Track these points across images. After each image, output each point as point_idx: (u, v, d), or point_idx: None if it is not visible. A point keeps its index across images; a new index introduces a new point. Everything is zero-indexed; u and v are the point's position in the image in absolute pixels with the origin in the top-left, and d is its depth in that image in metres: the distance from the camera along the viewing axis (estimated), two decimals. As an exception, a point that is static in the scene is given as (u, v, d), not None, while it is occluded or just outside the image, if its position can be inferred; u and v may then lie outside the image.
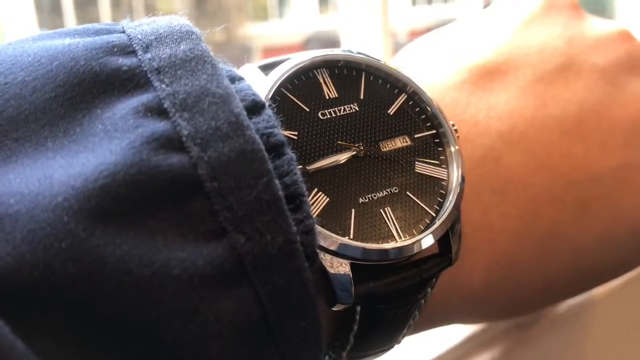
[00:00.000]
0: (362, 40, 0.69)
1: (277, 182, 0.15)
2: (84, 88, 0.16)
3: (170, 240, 0.14)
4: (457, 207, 0.20)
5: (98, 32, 0.17)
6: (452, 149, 0.21)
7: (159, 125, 0.15)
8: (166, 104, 0.15)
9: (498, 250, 0.23)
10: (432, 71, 0.25)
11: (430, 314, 0.22)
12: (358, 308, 0.19)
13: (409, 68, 0.25)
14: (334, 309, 0.18)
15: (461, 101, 0.24)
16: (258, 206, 0.15)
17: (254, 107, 0.17)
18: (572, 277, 0.25)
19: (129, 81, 0.16)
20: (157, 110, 0.15)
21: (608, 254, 0.25)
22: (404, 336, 0.22)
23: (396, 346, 0.23)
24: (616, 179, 0.25)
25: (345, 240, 0.18)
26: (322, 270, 0.18)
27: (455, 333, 0.29)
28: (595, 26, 0.28)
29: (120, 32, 0.17)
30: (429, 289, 0.20)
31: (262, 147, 0.16)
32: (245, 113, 0.16)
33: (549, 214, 0.23)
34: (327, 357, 0.20)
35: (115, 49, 0.17)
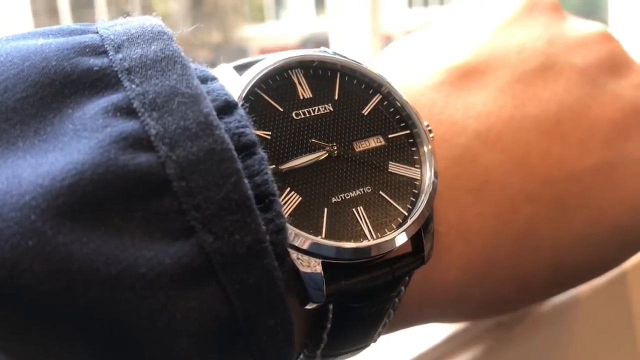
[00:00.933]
0: (352, 42, 0.69)
1: (246, 181, 0.16)
2: (55, 88, 0.16)
3: (138, 239, 0.14)
4: (429, 206, 0.20)
5: (72, 33, 0.18)
6: (426, 149, 0.21)
7: (128, 125, 0.15)
8: (135, 104, 0.16)
9: (474, 249, 0.23)
10: (411, 72, 0.25)
11: (406, 313, 0.22)
12: (330, 306, 0.19)
13: (387, 69, 0.25)
14: (306, 307, 0.19)
15: (438, 102, 0.24)
16: (226, 205, 0.15)
17: (226, 107, 0.17)
18: (551, 276, 0.25)
19: (100, 81, 0.16)
20: (127, 110, 0.16)
21: (588, 253, 0.25)
22: (379, 335, 0.22)
23: (373, 345, 0.23)
24: (595, 178, 0.25)
25: (317, 239, 0.18)
26: (294, 269, 0.18)
27: (437, 332, 0.30)
28: (576, 27, 0.28)
29: (94, 33, 0.17)
30: (403, 288, 0.21)
31: (231, 146, 0.16)
32: (214, 113, 0.16)
33: (526, 212, 0.23)
34: (301, 356, 0.21)
35: (87, 50, 0.17)
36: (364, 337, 0.21)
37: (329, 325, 0.20)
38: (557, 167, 0.24)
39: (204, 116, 0.16)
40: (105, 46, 0.17)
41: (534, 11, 0.28)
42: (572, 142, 0.25)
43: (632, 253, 0.28)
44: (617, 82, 0.27)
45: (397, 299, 0.21)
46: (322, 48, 0.22)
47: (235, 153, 0.16)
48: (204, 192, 0.15)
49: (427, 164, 0.21)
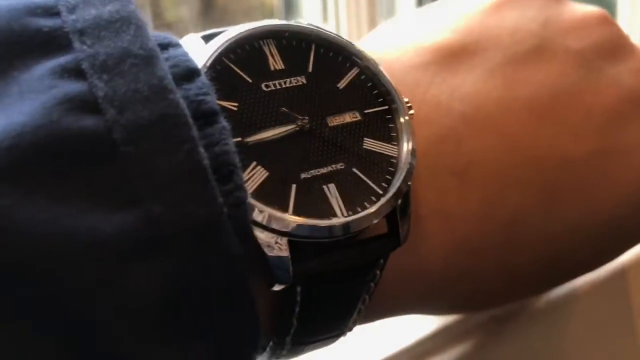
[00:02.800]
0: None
1: (202, 150, 0.14)
2: (3, 49, 0.15)
3: (79, 206, 0.13)
4: (406, 184, 0.19)
5: None
6: (403, 125, 0.20)
7: (75, 87, 0.14)
8: (84, 65, 0.15)
9: (457, 236, 0.22)
10: (397, 51, 0.24)
11: (384, 301, 0.21)
12: (299, 289, 0.18)
13: (373, 47, 0.24)
14: (273, 289, 0.18)
15: (423, 81, 0.23)
16: (178, 174, 0.14)
17: (187, 74, 0.16)
18: (543, 268, 0.24)
19: (50, 42, 0.15)
20: (75, 72, 0.15)
21: (581, 245, 0.24)
22: (355, 322, 0.21)
23: (360, 335, 0.22)
24: (588, 167, 0.24)
25: (284, 215, 0.17)
26: (258, 248, 0.17)
27: (427, 324, 0.29)
28: (573, 9, 0.27)
29: None
30: (378, 272, 0.19)
31: (187, 112, 0.15)
32: (170, 77, 0.15)
33: (515, 199, 0.22)
34: (270, 342, 0.19)
35: (39, 10, 0.16)
36: (337, 323, 0.20)
37: (297, 309, 0.18)
38: (550, 153, 0.23)
39: (158, 79, 0.15)
40: (59, 7, 0.16)
41: None
42: (565, 128, 0.24)
43: (628, 246, 0.27)
44: (614, 66, 0.26)
45: (372, 284, 0.20)
46: (298, 19, 0.21)
47: (190, 120, 0.15)
48: (153, 159, 0.14)
49: (405, 141, 0.20)
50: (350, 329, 0.21)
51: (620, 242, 0.26)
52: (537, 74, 0.24)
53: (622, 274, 0.35)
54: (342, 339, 0.21)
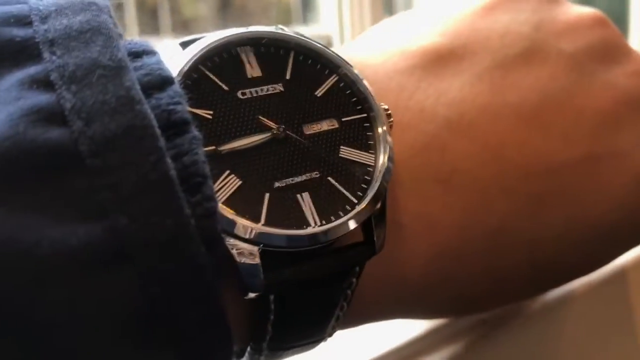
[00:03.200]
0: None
1: (168, 160, 0.15)
2: None
3: (43, 219, 0.13)
4: (381, 193, 0.19)
5: (3, 3, 0.17)
6: (380, 134, 0.20)
7: (43, 98, 0.14)
8: (53, 76, 0.15)
9: (439, 243, 0.21)
10: (383, 55, 0.24)
11: (365, 307, 0.21)
12: (272, 297, 0.18)
13: (360, 51, 0.24)
14: (245, 298, 0.18)
15: (408, 87, 0.23)
16: (144, 186, 0.14)
17: (160, 83, 0.16)
18: (529, 274, 0.24)
19: (21, 53, 0.15)
20: (44, 83, 0.15)
21: (570, 250, 0.24)
22: (334, 328, 0.21)
23: (350, 336, 0.22)
24: (578, 172, 0.23)
25: (255, 225, 0.17)
26: (230, 257, 0.17)
27: (418, 324, 0.29)
28: (568, 11, 0.26)
29: (23, 3, 0.17)
30: (354, 279, 0.19)
31: (154, 123, 0.15)
32: (138, 87, 0.15)
33: (499, 206, 0.22)
34: (248, 348, 0.20)
35: (12, 20, 0.16)
36: (314, 330, 0.20)
37: (272, 317, 0.19)
38: (536, 160, 0.23)
39: (126, 90, 0.15)
40: (32, 17, 0.16)
41: None
42: (554, 133, 0.23)
43: (622, 250, 0.26)
44: (609, 69, 0.25)
45: (349, 291, 0.20)
46: (279, 26, 0.21)
47: (157, 130, 0.15)
48: (119, 170, 0.14)
49: (382, 149, 0.20)
50: (330, 335, 0.21)
51: (614, 246, 0.26)
52: (527, 78, 0.24)
53: (622, 275, 0.34)
54: (331, 339, 0.21)
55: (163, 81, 0.16)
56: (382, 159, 0.20)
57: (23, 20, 0.16)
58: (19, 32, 0.16)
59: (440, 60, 0.24)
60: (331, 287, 0.19)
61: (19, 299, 0.13)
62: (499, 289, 0.24)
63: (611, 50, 0.26)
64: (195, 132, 0.16)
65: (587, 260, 0.25)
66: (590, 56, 0.25)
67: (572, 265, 0.25)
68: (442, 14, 0.26)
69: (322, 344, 0.21)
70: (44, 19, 0.16)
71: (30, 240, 0.13)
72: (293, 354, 0.21)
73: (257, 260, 0.17)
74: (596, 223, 0.24)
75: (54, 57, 0.15)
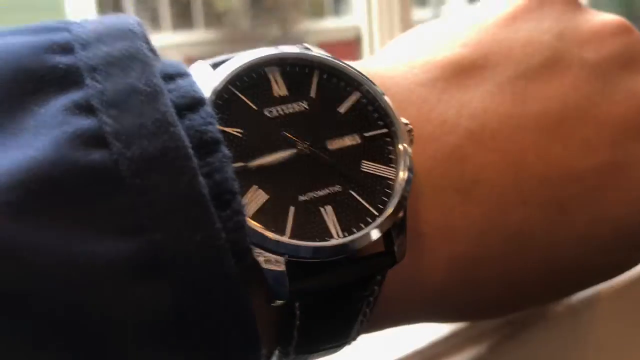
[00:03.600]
0: (384, 38, 0.69)
1: (201, 179, 0.16)
2: (23, 85, 0.16)
3: (87, 235, 0.15)
4: (402, 205, 0.20)
5: (46, 30, 0.18)
6: (401, 148, 0.21)
7: (85, 122, 0.16)
8: (94, 102, 0.16)
9: (460, 251, 0.22)
10: (405, 67, 0.24)
11: (388, 312, 0.22)
12: (297, 304, 0.19)
13: (383, 64, 0.25)
14: (272, 305, 0.19)
15: (430, 99, 0.23)
16: (178, 203, 0.15)
17: (193, 104, 0.17)
18: (549, 280, 0.24)
19: (65, 79, 0.17)
20: (86, 108, 0.16)
21: (590, 257, 0.24)
22: (358, 333, 0.22)
23: (375, 336, 0.23)
24: (598, 178, 0.24)
25: (281, 237, 0.18)
26: (258, 268, 0.18)
27: (441, 326, 0.29)
28: (591, 19, 0.27)
29: (66, 31, 0.18)
30: (376, 287, 0.20)
31: (187, 144, 0.16)
32: (172, 110, 0.16)
33: (519, 214, 0.23)
34: (276, 352, 0.21)
35: (56, 47, 0.17)
36: (338, 335, 0.21)
37: (297, 323, 0.20)
38: (557, 168, 0.23)
39: (161, 114, 0.16)
40: (74, 44, 0.17)
41: (545, 3, 0.27)
42: (575, 142, 0.24)
43: None
44: (633, 78, 0.26)
45: (371, 298, 0.21)
46: (304, 44, 0.22)
47: (190, 151, 0.16)
48: (155, 189, 0.15)
49: (402, 163, 0.21)
50: (354, 339, 0.22)
51: (636, 251, 0.26)
52: (549, 87, 0.24)
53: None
54: (356, 340, 0.22)
55: (196, 102, 0.17)
56: (403, 173, 0.20)
57: (66, 48, 0.17)
58: (62, 59, 0.17)
59: (462, 71, 0.24)
60: (354, 295, 0.20)
61: (67, 307, 0.14)
62: (520, 294, 0.24)
63: (635, 57, 0.26)
64: (225, 150, 0.17)
65: (608, 265, 0.26)
66: (614, 64, 0.26)
67: (594, 271, 0.25)
68: (464, 24, 0.26)
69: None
70: (86, 46, 0.17)
71: (74, 255, 0.14)
72: (319, 356, 0.22)
73: (283, 268, 0.18)
74: (617, 229, 0.24)
75: (95, 83, 0.16)
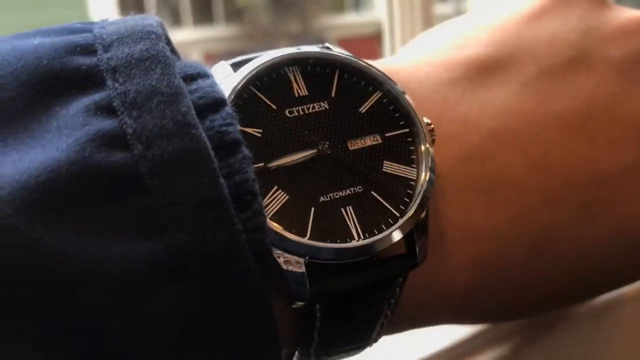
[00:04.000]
0: (405, 34, 0.68)
1: (221, 180, 0.16)
2: (45, 86, 0.17)
3: (108, 237, 0.15)
4: (423, 206, 0.20)
5: (69, 32, 0.18)
6: (422, 148, 0.21)
7: (106, 123, 0.16)
8: (115, 103, 0.16)
9: (483, 253, 0.22)
10: (429, 66, 0.24)
11: (410, 314, 0.22)
12: (317, 306, 0.19)
13: (406, 63, 0.25)
14: (293, 306, 0.19)
15: (452, 98, 0.23)
16: (199, 204, 0.15)
17: (213, 105, 0.17)
18: (574, 283, 0.24)
19: (87, 80, 0.17)
20: (107, 109, 0.16)
21: (616, 260, 0.24)
22: (379, 334, 0.21)
23: (396, 337, 0.23)
24: (625, 180, 0.23)
25: (301, 239, 0.18)
26: (278, 268, 0.18)
27: (464, 327, 0.29)
28: (617, 16, 0.26)
29: (89, 32, 0.18)
30: (397, 289, 0.20)
31: (208, 145, 0.16)
32: (193, 112, 0.16)
33: (543, 215, 0.22)
34: (296, 353, 0.21)
35: (78, 49, 0.17)
36: (358, 337, 0.21)
37: (318, 325, 0.19)
38: (582, 168, 0.23)
39: (182, 115, 0.16)
40: (96, 45, 0.17)
41: (570, 0, 0.26)
42: (601, 141, 0.23)
43: None
44: None
45: (392, 300, 0.20)
46: (325, 44, 0.22)
47: (211, 152, 0.16)
48: (176, 190, 0.15)
49: (424, 164, 0.20)
50: (376, 340, 0.22)
51: None
52: (573, 86, 0.24)
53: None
54: (379, 340, 0.22)
55: (216, 103, 0.17)
56: (424, 173, 0.20)
57: (88, 49, 0.17)
58: (84, 61, 0.17)
59: (486, 70, 0.24)
60: (375, 298, 0.20)
61: (88, 308, 0.14)
62: (543, 296, 0.24)
63: None
64: (245, 151, 0.17)
65: (634, 267, 0.25)
66: (639, 62, 0.25)
67: (619, 272, 0.25)
68: (488, 22, 0.26)
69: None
70: (107, 47, 0.17)
71: (97, 257, 0.15)
72: (339, 358, 0.22)
73: (303, 269, 0.18)
74: None
75: (116, 85, 0.16)
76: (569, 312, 0.30)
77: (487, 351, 0.29)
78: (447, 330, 0.29)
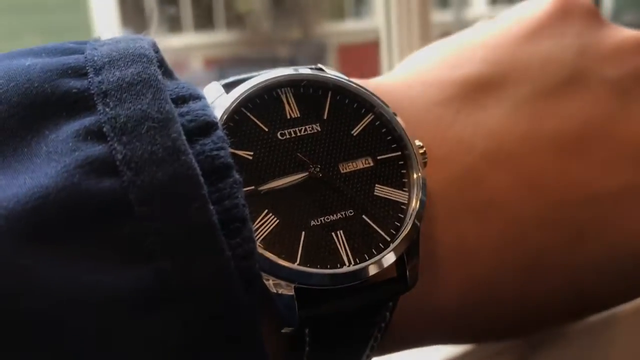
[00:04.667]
0: (403, 41, 0.69)
1: (211, 206, 0.16)
2: (35, 109, 0.16)
3: (96, 264, 0.15)
4: (414, 231, 0.20)
5: (62, 52, 0.18)
6: (414, 174, 0.20)
7: (96, 149, 0.16)
8: (105, 128, 0.16)
9: (475, 275, 0.22)
10: (422, 86, 0.24)
11: (401, 336, 0.22)
12: (307, 330, 0.19)
13: (399, 82, 0.25)
14: (282, 331, 0.18)
15: (446, 118, 0.23)
16: (188, 231, 0.15)
17: (205, 128, 0.17)
18: (565, 304, 0.24)
19: (77, 103, 0.17)
20: (97, 134, 0.16)
21: (608, 281, 0.24)
22: (369, 357, 0.21)
23: None
24: (617, 201, 0.23)
25: (292, 265, 0.18)
26: (267, 293, 0.18)
27: (455, 346, 0.29)
28: (613, 35, 0.26)
29: (80, 54, 0.18)
30: (387, 313, 0.20)
31: (198, 171, 0.16)
32: (183, 138, 0.16)
33: (536, 238, 0.22)
34: None
35: (69, 71, 0.17)
36: (350, 359, 0.21)
37: (307, 349, 0.19)
38: (575, 189, 0.23)
39: (172, 141, 0.16)
40: (87, 68, 0.17)
41: (566, 18, 0.26)
42: (594, 162, 0.23)
43: None
44: None
45: (382, 324, 0.20)
46: (318, 65, 0.22)
47: (201, 178, 0.16)
48: (165, 217, 0.15)
49: (415, 187, 0.20)
50: None
51: None
52: (567, 106, 0.24)
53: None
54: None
55: (208, 127, 0.17)
56: (416, 198, 0.20)
57: (79, 72, 0.17)
58: (75, 84, 0.17)
59: (480, 89, 0.24)
60: (365, 322, 0.20)
61: (77, 336, 0.14)
62: (537, 316, 0.24)
63: None
64: (236, 175, 0.17)
65: (628, 289, 0.25)
66: (635, 82, 0.25)
67: (613, 293, 0.25)
68: (483, 40, 0.26)
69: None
70: (99, 70, 0.17)
71: (85, 284, 0.14)
72: None
73: (292, 292, 0.18)
74: (637, 252, 0.24)
75: (107, 109, 0.16)
76: (565, 330, 0.30)
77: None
78: (438, 349, 0.29)
